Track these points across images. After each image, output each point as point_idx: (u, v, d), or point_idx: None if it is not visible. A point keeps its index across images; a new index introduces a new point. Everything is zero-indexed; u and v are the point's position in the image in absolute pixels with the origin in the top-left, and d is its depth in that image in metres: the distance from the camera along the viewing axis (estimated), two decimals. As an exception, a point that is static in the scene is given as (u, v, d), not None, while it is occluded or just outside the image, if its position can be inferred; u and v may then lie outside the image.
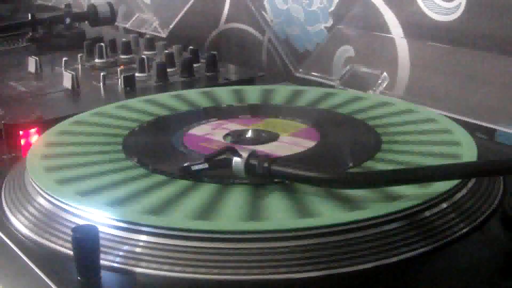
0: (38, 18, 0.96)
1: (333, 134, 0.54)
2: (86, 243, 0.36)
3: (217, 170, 0.44)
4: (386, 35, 0.74)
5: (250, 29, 0.95)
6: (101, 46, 0.83)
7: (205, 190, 0.43)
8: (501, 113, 0.62)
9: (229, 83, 0.74)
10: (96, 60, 0.83)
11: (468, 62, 0.66)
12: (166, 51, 0.80)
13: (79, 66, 0.81)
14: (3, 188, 0.49)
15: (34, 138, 0.56)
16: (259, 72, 0.81)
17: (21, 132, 0.56)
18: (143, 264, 0.38)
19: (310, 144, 0.51)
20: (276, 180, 0.43)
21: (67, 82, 0.72)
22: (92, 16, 0.99)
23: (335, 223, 0.38)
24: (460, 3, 0.66)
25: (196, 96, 0.64)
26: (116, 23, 1.08)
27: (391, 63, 0.73)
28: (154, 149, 0.52)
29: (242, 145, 0.50)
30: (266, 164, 0.42)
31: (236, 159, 0.43)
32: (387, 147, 0.50)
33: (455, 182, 0.42)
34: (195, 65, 0.77)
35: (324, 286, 0.37)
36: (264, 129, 0.54)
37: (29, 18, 0.96)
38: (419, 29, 0.70)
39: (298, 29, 0.86)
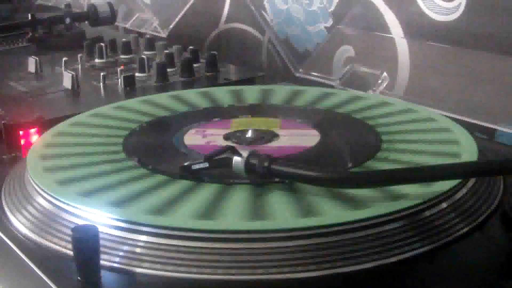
0: (38, 18, 0.96)
1: (333, 133, 0.54)
2: (86, 243, 0.36)
3: (217, 169, 0.44)
4: (386, 35, 0.74)
5: (250, 29, 0.95)
6: (101, 46, 0.83)
7: (207, 190, 0.43)
8: (501, 113, 0.62)
9: (229, 83, 0.74)
10: (96, 60, 0.83)
11: (468, 62, 0.66)
12: (166, 51, 0.80)
13: (79, 66, 0.81)
14: (3, 188, 0.49)
15: (34, 138, 0.56)
16: (259, 72, 0.81)
17: (21, 132, 0.56)
18: (144, 264, 0.38)
19: (310, 143, 0.51)
20: (276, 179, 0.43)
21: (67, 82, 0.72)
22: (92, 16, 0.99)
23: (336, 222, 0.38)
24: (460, 3, 0.66)
25: (194, 96, 0.64)
26: (116, 23, 1.08)
27: (391, 63, 0.73)
28: (154, 149, 0.52)
29: (242, 145, 0.50)
30: (266, 164, 0.42)
31: (236, 159, 0.43)
32: (387, 146, 0.50)
33: (455, 182, 0.42)
34: (195, 65, 0.77)
35: (327, 286, 0.37)
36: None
37: (29, 18, 0.96)
38: (419, 29, 0.70)
39: (298, 29, 0.86)
